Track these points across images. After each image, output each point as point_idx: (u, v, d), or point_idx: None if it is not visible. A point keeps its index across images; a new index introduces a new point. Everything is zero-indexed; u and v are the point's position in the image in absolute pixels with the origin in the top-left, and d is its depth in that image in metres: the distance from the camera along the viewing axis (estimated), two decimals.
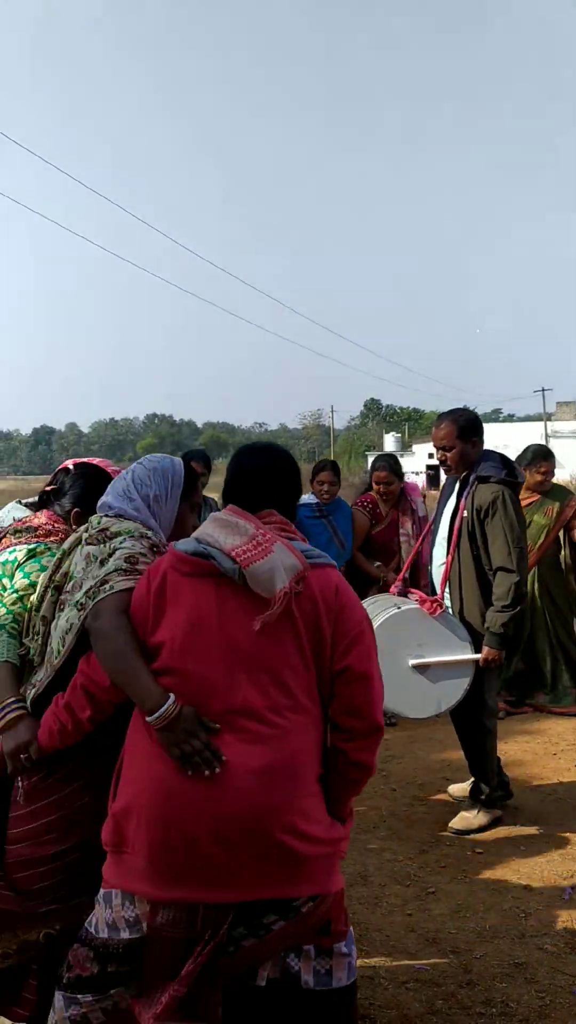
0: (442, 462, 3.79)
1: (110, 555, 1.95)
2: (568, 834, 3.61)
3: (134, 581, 1.87)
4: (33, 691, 2.00)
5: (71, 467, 2.54)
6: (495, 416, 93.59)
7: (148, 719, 1.73)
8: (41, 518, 2.41)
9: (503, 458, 3.83)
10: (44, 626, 2.05)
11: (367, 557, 5.29)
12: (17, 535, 2.36)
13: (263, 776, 1.71)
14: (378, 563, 5.24)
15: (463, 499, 3.65)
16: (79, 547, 2.06)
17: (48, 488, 2.51)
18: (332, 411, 72.10)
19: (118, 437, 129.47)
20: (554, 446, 7.42)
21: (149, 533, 2.03)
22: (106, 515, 2.09)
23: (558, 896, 3.07)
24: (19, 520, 2.46)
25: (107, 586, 1.86)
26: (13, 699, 2.00)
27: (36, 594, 2.13)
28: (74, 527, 2.37)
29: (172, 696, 1.72)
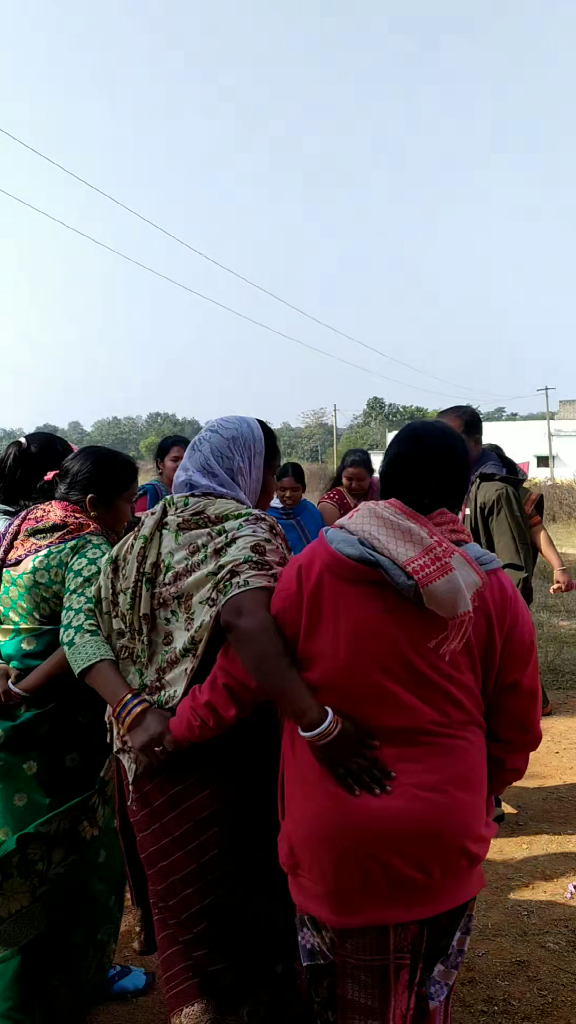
0: None
1: (228, 543, 1.79)
2: (570, 832, 3.61)
3: (270, 579, 1.72)
4: (175, 695, 1.84)
5: (72, 453, 2.44)
6: (498, 415, 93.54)
7: (304, 735, 1.60)
8: (56, 511, 2.29)
9: (502, 455, 3.86)
10: (147, 625, 1.88)
11: None
12: (41, 535, 2.25)
13: (444, 792, 1.59)
14: None
15: (465, 497, 3.66)
16: (163, 532, 1.90)
17: (49, 479, 2.42)
18: (335, 410, 71.97)
19: (121, 436, 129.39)
20: (557, 445, 7.44)
21: (262, 513, 1.86)
22: (192, 495, 1.92)
23: (560, 894, 3.08)
24: (24, 518, 2.32)
25: (240, 579, 1.71)
26: (130, 694, 1.89)
27: (120, 590, 1.95)
28: (92, 514, 2.31)
29: (331, 712, 1.60)
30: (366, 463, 5.31)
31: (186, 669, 1.83)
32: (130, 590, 1.90)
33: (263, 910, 1.87)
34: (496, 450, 4.08)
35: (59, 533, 2.24)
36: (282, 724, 1.80)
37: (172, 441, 4.62)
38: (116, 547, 2.03)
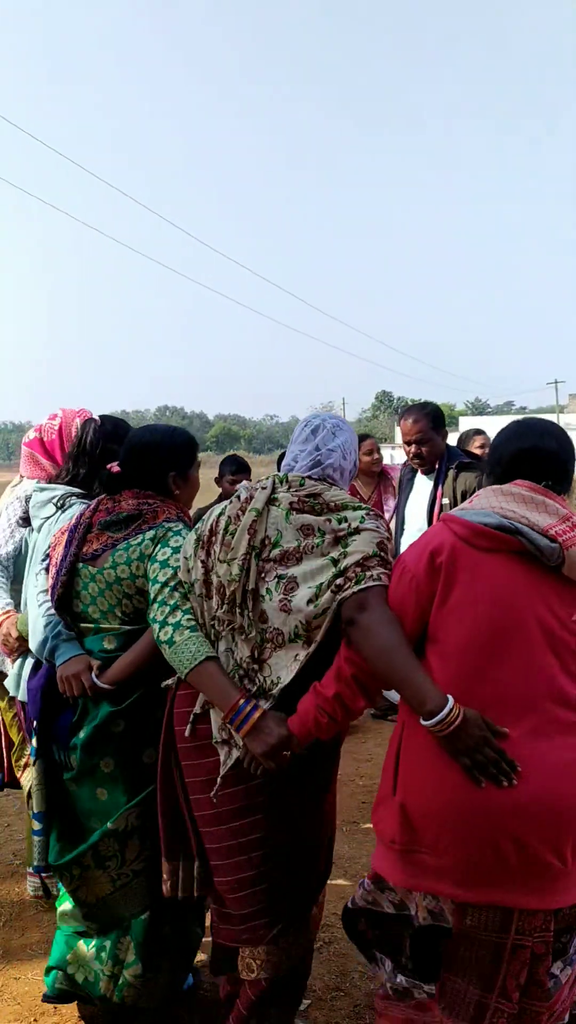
0: (416, 455, 3.84)
1: (351, 533, 1.79)
2: None
3: (390, 578, 1.74)
4: (277, 681, 1.81)
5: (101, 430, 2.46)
6: (507, 408, 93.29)
7: (425, 723, 1.59)
8: (128, 500, 2.17)
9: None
10: (253, 599, 1.83)
11: None
12: (116, 528, 2.13)
13: None
14: None
15: (439, 488, 3.71)
16: (271, 508, 1.87)
17: (115, 471, 2.26)
18: (343, 403, 71.84)
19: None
20: None
21: (379, 512, 1.84)
22: (309, 476, 1.92)
23: None
24: (96, 509, 2.20)
25: (371, 573, 1.72)
26: (243, 698, 1.82)
27: (220, 560, 1.88)
28: (176, 493, 2.21)
29: (451, 700, 1.58)
30: (374, 441, 5.31)
31: (297, 656, 1.79)
32: (238, 562, 1.83)
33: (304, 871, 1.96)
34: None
35: (135, 524, 2.12)
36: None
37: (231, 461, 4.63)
38: (202, 523, 1.98)
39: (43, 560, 2.31)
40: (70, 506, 2.38)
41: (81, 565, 2.14)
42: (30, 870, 2.42)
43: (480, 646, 1.61)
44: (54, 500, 2.42)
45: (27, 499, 2.62)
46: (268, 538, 1.85)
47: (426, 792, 1.65)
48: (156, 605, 1.97)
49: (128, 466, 2.21)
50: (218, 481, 4.67)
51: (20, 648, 2.50)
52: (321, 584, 1.76)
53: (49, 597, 2.19)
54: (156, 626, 1.94)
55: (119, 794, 2.12)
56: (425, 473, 3.92)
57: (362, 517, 1.81)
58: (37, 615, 2.24)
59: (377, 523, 1.82)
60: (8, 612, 2.57)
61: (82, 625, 2.18)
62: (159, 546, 2.04)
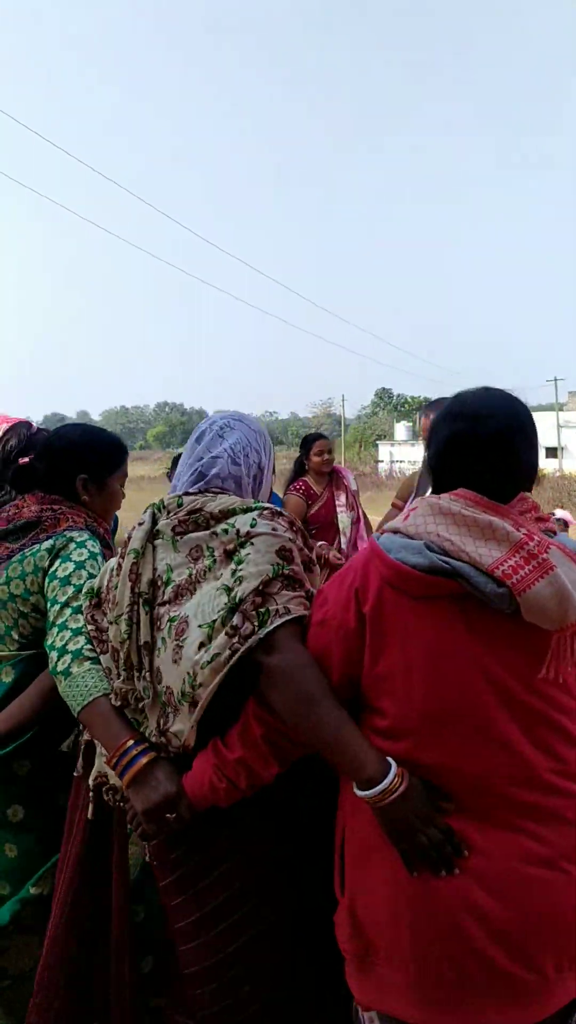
0: None
1: (242, 543, 1.43)
2: None
3: (304, 601, 1.41)
4: (174, 744, 1.49)
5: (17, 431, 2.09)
6: None
7: (361, 794, 1.30)
8: (30, 505, 1.89)
9: None
10: (149, 655, 1.51)
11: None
12: (14, 537, 1.84)
13: (557, 868, 1.26)
14: (321, 542, 5.27)
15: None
16: (156, 544, 1.56)
17: (24, 463, 1.98)
18: (343, 400, 71.84)
19: (128, 424, 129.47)
20: (566, 436, 7.41)
21: (277, 508, 1.52)
22: (186, 493, 1.59)
23: None
24: None
25: (277, 607, 1.37)
26: (133, 740, 1.52)
27: (110, 622, 1.59)
28: (85, 499, 1.92)
29: (394, 765, 1.29)
30: (328, 441, 5.31)
31: (191, 720, 1.43)
32: (124, 617, 1.52)
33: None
34: None
35: (32, 532, 1.83)
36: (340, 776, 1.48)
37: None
38: (97, 579, 1.69)
39: None
40: None
41: None
42: None
43: (415, 728, 1.29)
44: None
45: None
46: (159, 578, 1.52)
47: (376, 892, 1.34)
48: (55, 629, 1.67)
49: (38, 461, 1.94)
50: None
51: None
52: (214, 622, 1.39)
53: None
54: (53, 654, 1.64)
55: (31, 843, 1.78)
56: None
57: (253, 520, 1.45)
58: None
59: (274, 523, 1.46)
60: None
61: None
62: (59, 560, 1.75)
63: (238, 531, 1.45)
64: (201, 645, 1.40)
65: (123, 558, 1.57)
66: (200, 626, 1.41)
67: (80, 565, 1.74)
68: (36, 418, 2.83)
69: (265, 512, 1.49)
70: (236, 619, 1.36)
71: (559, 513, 4.86)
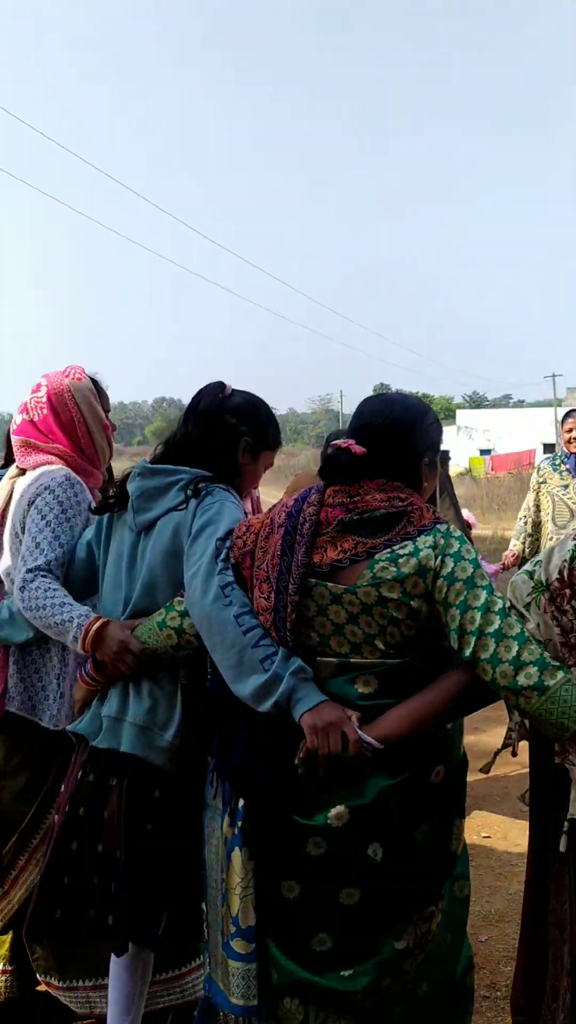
0: None
1: None
2: None
3: None
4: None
5: None
6: (505, 402, 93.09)
7: None
8: (373, 493, 1.68)
9: None
10: None
11: None
12: (367, 531, 1.60)
13: None
14: None
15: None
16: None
17: (351, 449, 1.70)
18: (341, 396, 71.73)
19: (127, 420, 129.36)
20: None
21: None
22: None
23: None
24: (318, 501, 1.66)
25: None
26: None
27: None
28: (426, 484, 1.76)
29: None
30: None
31: None
32: None
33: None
34: None
35: (398, 525, 1.59)
36: None
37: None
38: (538, 567, 1.71)
39: (222, 561, 1.69)
40: (207, 494, 1.85)
41: (314, 582, 1.59)
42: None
43: None
44: (179, 486, 1.89)
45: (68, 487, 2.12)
46: None
47: None
48: (496, 640, 1.47)
49: (375, 445, 1.66)
50: None
51: (135, 668, 1.82)
52: None
53: (273, 624, 1.59)
54: (507, 667, 1.45)
55: (384, 887, 1.54)
56: None
57: None
58: (242, 643, 1.59)
59: None
60: (103, 620, 1.88)
61: (319, 660, 1.60)
62: (453, 561, 1.53)
63: None
64: None
65: None
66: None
67: (477, 565, 1.55)
68: None
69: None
70: None
71: (464, 514, 4.79)
